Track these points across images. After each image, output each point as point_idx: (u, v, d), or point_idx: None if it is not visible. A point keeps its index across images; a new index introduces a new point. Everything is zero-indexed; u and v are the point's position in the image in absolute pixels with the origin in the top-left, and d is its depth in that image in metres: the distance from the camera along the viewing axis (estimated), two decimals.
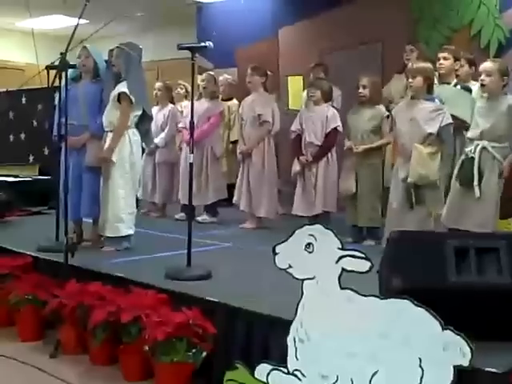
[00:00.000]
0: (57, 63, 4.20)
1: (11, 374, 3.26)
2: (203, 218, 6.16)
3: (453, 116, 4.31)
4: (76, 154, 4.55)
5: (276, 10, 8.01)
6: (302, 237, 2.47)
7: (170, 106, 6.64)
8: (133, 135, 4.50)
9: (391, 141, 5.09)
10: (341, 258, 2.39)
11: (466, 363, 2.19)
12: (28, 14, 7.69)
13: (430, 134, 4.26)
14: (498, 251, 2.60)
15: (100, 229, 4.56)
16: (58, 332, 3.57)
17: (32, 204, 6.62)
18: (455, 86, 4.89)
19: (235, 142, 6.58)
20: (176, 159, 6.52)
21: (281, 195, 6.17)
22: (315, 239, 2.44)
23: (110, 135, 4.47)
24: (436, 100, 4.39)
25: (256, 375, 2.50)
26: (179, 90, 7.01)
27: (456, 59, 4.95)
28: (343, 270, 2.39)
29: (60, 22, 9.55)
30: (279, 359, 2.54)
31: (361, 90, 5.06)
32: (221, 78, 6.94)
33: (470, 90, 4.67)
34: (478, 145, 4.08)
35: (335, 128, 5.36)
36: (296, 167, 5.46)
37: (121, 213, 4.46)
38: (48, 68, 4.66)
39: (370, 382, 2.29)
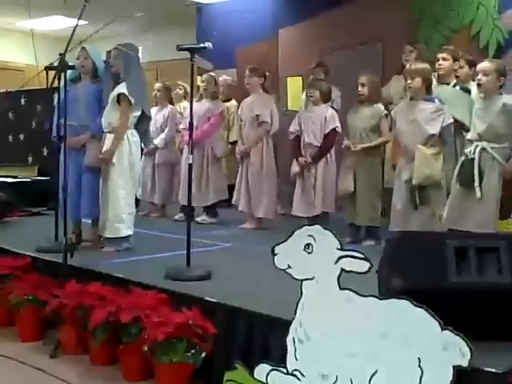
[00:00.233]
0: (56, 64, 4.20)
1: (11, 374, 3.26)
2: (202, 218, 6.17)
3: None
4: (75, 154, 4.55)
5: (276, 10, 8.02)
6: (301, 237, 2.47)
7: (170, 106, 6.65)
8: (131, 136, 4.51)
9: (390, 139, 5.10)
10: (340, 258, 2.39)
11: (465, 363, 2.19)
12: (28, 14, 7.69)
13: (432, 135, 4.26)
14: (498, 251, 2.60)
15: (100, 229, 4.57)
16: (58, 332, 3.57)
17: (31, 205, 6.63)
18: (454, 86, 4.90)
19: (234, 143, 6.59)
20: (175, 160, 6.53)
21: (280, 195, 6.18)
22: (314, 240, 2.44)
23: (109, 136, 4.47)
24: (436, 100, 4.40)
25: (255, 375, 2.50)
26: (178, 90, 7.02)
27: (455, 59, 4.95)
28: (342, 270, 2.39)
29: (60, 23, 9.56)
30: (279, 359, 2.54)
31: (360, 89, 5.05)
32: (220, 78, 6.94)
33: (469, 91, 4.67)
34: (477, 146, 4.08)
35: (334, 129, 5.37)
36: (295, 168, 5.46)
37: (121, 213, 4.46)
38: (47, 69, 4.66)
39: (370, 381, 2.29)
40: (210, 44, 3.79)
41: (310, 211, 5.36)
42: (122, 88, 4.42)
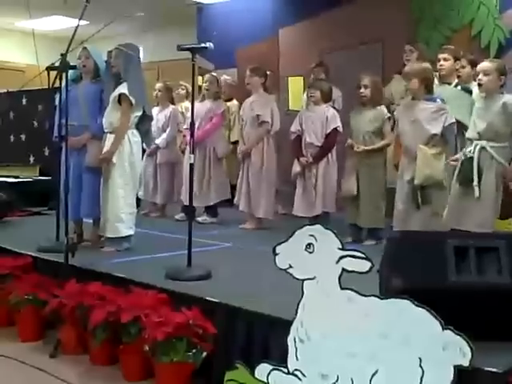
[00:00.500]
0: (57, 64, 4.20)
1: (11, 374, 3.26)
2: (203, 218, 6.17)
3: None
4: (76, 154, 4.56)
5: (276, 10, 8.02)
6: (302, 237, 2.46)
7: (172, 106, 6.67)
8: (132, 136, 4.50)
9: (392, 142, 5.08)
10: (341, 258, 2.39)
11: (466, 363, 2.19)
12: (28, 14, 7.69)
13: (434, 134, 4.26)
14: (498, 251, 2.60)
15: (101, 229, 4.57)
16: (58, 332, 3.57)
17: (32, 204, 6.63)
18: (456, 86, 4.90)
19: (235, 143, 6.59)
20: (177, 160, 6.54)
21: (281, 195, 6.18)
22: (315, 239, 2.44)
23: (109, 136, 4.48)
24: (438, 100, 4.39)
25: (256, 375, 2.50)
26: (180, 90, 7.03)
27: (456, 59, 4.95)
28: (343, 270, 2.39)
29: (60, 23, 9.56)
30: (279, 359, 2.54)
31: (362, 90, 5.03)
32: (221, 78, 6.94)
33: (470, 92, 4.66)
34: (476, 145, 4.08)
35: (335, 128, 5.37)
36: (296, 168, 5.46)
37: (120, 213, 4.46)
38: (48, 69, 4.66)
39: (370, 381, 2.29)
40: (211, 44, 3.79)
41: (310, 211, 5.35)
42: (122, 88, 4.42)
